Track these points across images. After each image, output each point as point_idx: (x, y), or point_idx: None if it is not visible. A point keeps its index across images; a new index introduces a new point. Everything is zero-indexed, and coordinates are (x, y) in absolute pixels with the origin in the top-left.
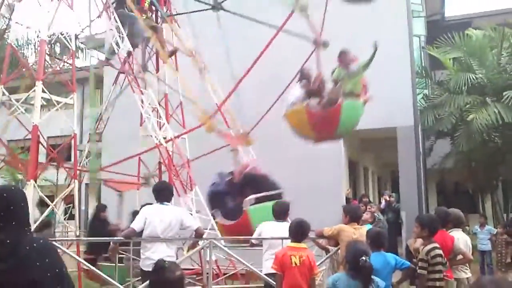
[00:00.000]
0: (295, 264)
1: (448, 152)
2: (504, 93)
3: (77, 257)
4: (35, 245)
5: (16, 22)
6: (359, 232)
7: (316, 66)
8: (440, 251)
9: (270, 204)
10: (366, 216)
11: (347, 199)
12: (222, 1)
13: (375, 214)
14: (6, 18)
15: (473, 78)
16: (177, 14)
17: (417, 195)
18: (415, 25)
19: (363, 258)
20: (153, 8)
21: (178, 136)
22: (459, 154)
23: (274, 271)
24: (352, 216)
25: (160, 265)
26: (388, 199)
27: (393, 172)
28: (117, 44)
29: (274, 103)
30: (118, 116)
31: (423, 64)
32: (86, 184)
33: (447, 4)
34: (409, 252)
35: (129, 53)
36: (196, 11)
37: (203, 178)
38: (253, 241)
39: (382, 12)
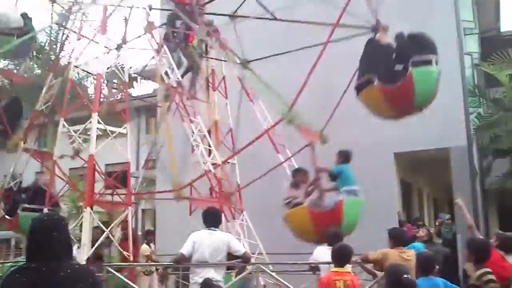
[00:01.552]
0: None
1: (505, 172)
2: None
3: (129, 282)
4: (69, 271)
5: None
6: (405, 255)
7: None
8: (492, 276)
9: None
10: (421, 233)
11: (400, 222)
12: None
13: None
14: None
15: None
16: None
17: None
18: (468, 42)
19: (406, 276)
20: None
21: (225, 161)
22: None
23: None
24: (397, 239)
25: (207, 283)
26: (437, 223)
27: (450, 194)
28: (166, 74)
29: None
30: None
31: (475, 82)
32: (143, 210)
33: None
34: (466, 276)
35: (179, 84)
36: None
37: (254, 201)
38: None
39: (432, 31)
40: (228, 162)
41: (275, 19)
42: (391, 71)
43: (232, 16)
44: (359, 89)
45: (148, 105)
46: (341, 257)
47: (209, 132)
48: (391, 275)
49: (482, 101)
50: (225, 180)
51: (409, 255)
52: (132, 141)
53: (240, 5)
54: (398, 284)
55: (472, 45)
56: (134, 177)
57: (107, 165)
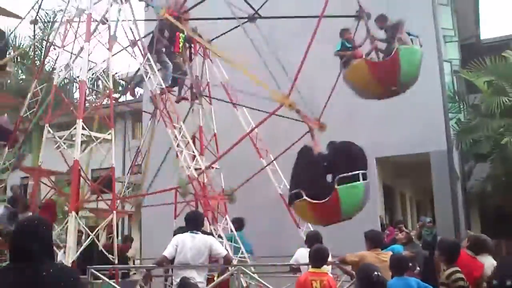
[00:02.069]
0: None
1: (485, 176)
2: None
3: (112, 283)
4: (51, 271)
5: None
6: (381, 257)
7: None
8: (461, 275)
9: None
10: (400, 236)
11: (382, 225)
12: (258, 9)
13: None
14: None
15: (505, 101)
16: (216, 38)
17: (453, 221)
18: (448, 50)
19: (376, 273)
20: (187, 45)
21: (209, 166)
22: (496, 178)
23: None
24: (374, 241)
25: (183, 281)
26: (418, 226)
27: (432, 198)
28: (150, 81)
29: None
30: (157, 148)
31: (455, 89)
32: (129, 215)
33: (483, 26)
34: None
35: (162, 91)
36: (235, 27)
37: (238, 205)
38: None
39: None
40: (213, 167)
41: (260, 17)
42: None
43: (216, 19)
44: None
45: (135, 110)
46: (318, 258)
47: (194, 138)
48: (362, 273)
49: (462, 107)
50: (209, 185)
51: (385, 256)
52: (119, 146)
53: None
54: (369, 282)
55: (453, 52)
56: (120, 182)
57: (93, 170)
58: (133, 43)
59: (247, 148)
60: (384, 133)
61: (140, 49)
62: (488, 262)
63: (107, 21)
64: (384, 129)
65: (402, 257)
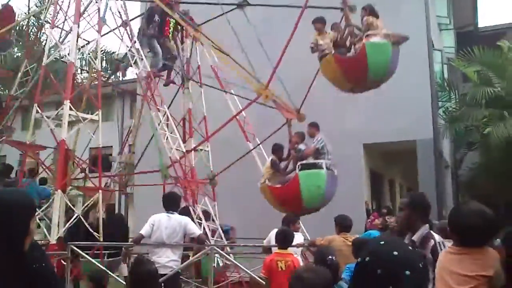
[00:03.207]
0: (281, 269)
1: (471, 165)
2: None
3: (93, 260)
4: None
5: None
6: (348, 241)
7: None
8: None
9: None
10: (377, 221)
11: (367, 211)
12: None
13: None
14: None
15: (491, 92)
16: (205, 22)
17: (437, 210)
18: (444, 37)
19: (330, 257)
20: (178, 27)
21: (194, 149)
22: (483, 167)
23: None
24: (341, 226)
25: (138, 259)
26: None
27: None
28: (136, 64)
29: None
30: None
31: (448, 77)
32: (126, 194)
33: (481, 15)
34: None
35: (148, 74)
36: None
37: (226, 188)
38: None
39: (403, 25)
40: (201, 150)
41: (248, 4)
42: None
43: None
44: None
45: (133, 90)
46: (283, 240)
47: (184, 120)
48: (318, 257)
49: (452, 96)
50: (189, 168)
51: (352, 240)
52: (116, 126)
53: None
54: (324, 265)
55: (448, 40)
56: (112, 161)
57: (91, 148)
58: (124, 24)
59: (237, 131)
60: (372, 120)
61: (128, 33)
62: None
63: (96, 1)
64: (372, 116)
65: (363, 241)
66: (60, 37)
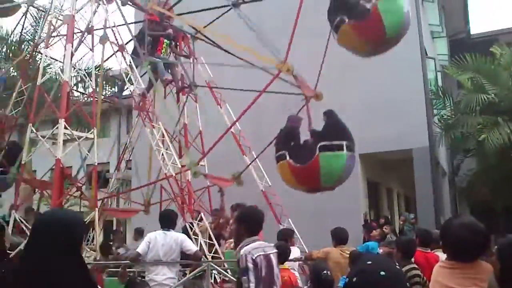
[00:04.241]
0: None
1: (468, 172)
2: None
3: None
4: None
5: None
6: (345, 254)
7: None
8: (417, 271)
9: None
10: (374, 233)
11: (366, 221)
12: None
13: (388, 235)
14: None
15: (485, 98)
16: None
17: (434, 217)
18: (437, 45)
19: (324, 272)
20: (172, 43)
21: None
22: (480, 173)
23: None
24: (338, 238)
25: (131, 280)
26: (401, 222)
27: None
28: (130, 82)
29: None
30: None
31: (443, 84)
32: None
33: (473, 22)
34: None
35: (143, 92)
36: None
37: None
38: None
39: None
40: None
41: (244, 2)
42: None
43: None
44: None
45: (130, 105)
46: (279, 255)
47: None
48: (313, 271)
49: (446, 103)
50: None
51: (348, 253)
52: (113, 141)
53: None
54: (318, 280)
55: (441, 48)
56: (108, 178)
57: (88, 165)
58: (121, 48)
59: (232, 145)
60: (368, 129)
61: (123, 56)
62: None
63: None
64: (367, 126)
65: (361, 254)
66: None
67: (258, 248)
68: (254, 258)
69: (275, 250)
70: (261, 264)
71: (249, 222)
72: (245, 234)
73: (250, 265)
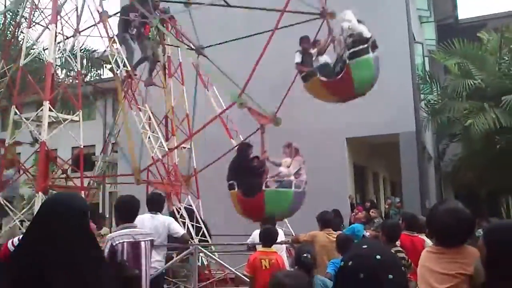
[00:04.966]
0: (265, 267)
1: (453, 157)
2: (503, 98)
3: None
4: None
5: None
6: (332, 237)
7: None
8: (403, 254)
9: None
10: (360, 215)
11: (352, 205)
12: None
13: (376, 219)
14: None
15: (471, 84)
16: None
17: (420, 201)
18: (425, 30)
19: (305, 254)
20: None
21: (177, 147)
22: (462, 159)
23: None
24: (323, 222)
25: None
26: (387, 206)
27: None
28: (116, 64)
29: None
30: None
31: (430, 69)
32: (110, 192)
33: (460, 7)
34: None
35: (128, 74)
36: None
37: (210, 186)
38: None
39: (384, 19)
40: (184, 148)
41: (228, 5)
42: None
43: (186, 3)
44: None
45: (114, 88)
46: (267, 238)
47: (166, 118)
48: (296, 253)
49: (434, 88)
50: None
51: (335, 236)
52: (99, 124)
53: None
54: (299, 262)
55: (429, 32)
56: (95, 161)
57: (73, 148)
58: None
59: (218, 129)
60: (355, 114)
61: (106, 30)
62: (427, 240)
63: None
64: (354, 110)
65: (346, 237)
66: (37, 39)
67: (125, 235)
68: (114, 244)
69: (150, 238)
70: (122, 251)
71: (120, 211)
72: (119, 222)
73: (106, 250)
